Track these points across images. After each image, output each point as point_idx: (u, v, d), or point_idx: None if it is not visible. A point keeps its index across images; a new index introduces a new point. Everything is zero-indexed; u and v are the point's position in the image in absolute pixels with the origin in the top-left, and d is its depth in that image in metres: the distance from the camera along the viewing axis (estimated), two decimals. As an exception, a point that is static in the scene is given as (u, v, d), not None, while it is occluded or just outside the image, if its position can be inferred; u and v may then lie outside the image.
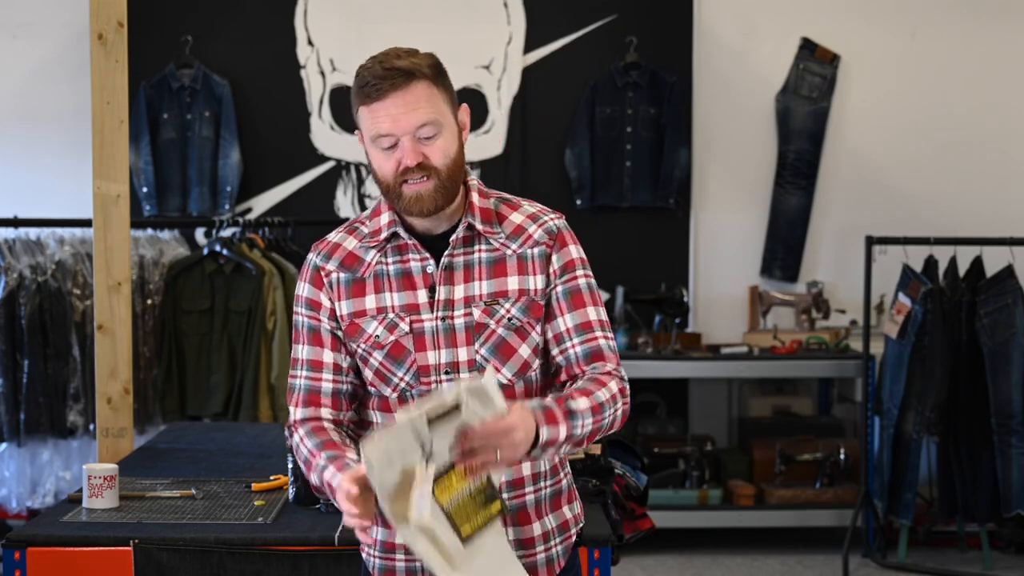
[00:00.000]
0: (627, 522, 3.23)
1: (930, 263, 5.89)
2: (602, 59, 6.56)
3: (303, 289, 2.35)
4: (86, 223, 5.42)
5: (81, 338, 5.57)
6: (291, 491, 3.11)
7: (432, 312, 2.27)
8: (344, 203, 6.57)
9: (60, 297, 5.52)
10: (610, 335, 2.33)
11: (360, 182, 6.57)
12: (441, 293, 2.27)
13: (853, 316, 6.49)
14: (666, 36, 6.59)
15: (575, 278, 2.33)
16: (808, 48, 6.63)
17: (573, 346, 2.30)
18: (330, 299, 2.32)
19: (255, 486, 3.24)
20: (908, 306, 5.85)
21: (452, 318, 2.27)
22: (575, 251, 2.34)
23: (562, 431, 2.13)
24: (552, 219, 2.34)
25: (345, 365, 2.33)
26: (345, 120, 6.55)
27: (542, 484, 2.33)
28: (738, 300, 6.65)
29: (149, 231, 5.99)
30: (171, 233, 6.08)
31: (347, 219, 6.57)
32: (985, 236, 5.96)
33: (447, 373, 2.27)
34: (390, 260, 2.30)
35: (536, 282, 2.30)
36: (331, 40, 6.56)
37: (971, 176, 6.66)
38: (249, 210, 6.53)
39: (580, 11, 6.60)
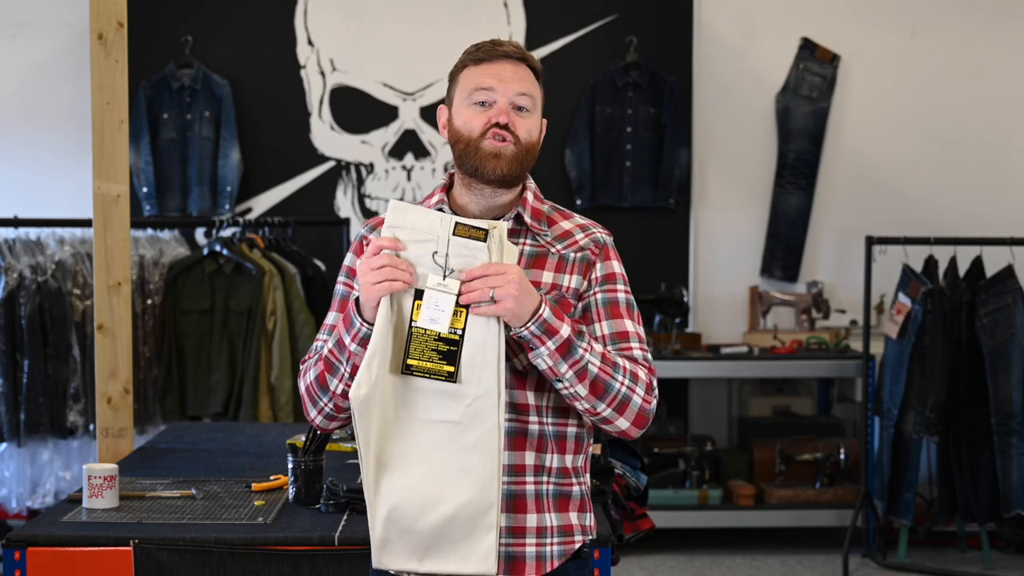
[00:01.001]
0: (627, 522, 3.23)
1: (930, 263, 5.89)
2: (602, 59, 6.56)
3: (346, 259, 2.46)
4: (86, 223, 5.43)
5: (81, 338, 5.57)
6: (291, 491, 3.11)
7: None
8: (344, 203, 6.57)
9: (60, 297, 5.52)
10: (646, 348, 2.37)
11: (360, 182, 6.57)
12: None
13: (853, 316, 6.49)
14: (666, 36, 6.60)
15: (615, 291, 2.37)
16: (808, 48, 6.63)
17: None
18: None
19: (255, 486, 3.24)
20: (908, 306, 5.85)
21: None
22: (618, 267, 2.40)
23: (565, 328, 2.22)
24: (601, 232, 2.42)
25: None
26: (345, 120, 6.56)
27: (545, 478, 2.33)
28: (738, 300, 6.66)
29: (149, 231, 5.99)
30: (171, 233, 6.09)
31: (347, 219, 6.59)
32: (985, 236, 5.97)
33: None
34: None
35: (571, 281, 2.35)
36: (331, 40, 6.56)
37: (971, 176, 6.66)
38: (249, 210, 6.53)
39: (580, 11, 6.60)
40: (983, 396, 5.77)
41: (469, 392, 2.22)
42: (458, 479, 2.23)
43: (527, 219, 2.38)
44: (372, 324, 2.24)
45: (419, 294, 2.22)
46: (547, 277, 2.34)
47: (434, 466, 2.23)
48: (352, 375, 2.29)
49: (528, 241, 2.37)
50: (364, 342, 2.25)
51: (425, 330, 2.22)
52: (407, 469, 2.24)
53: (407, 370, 2.23)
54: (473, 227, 2.22)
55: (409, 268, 2.21)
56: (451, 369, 2.22)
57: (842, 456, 6.11)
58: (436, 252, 2.21)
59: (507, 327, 2.23)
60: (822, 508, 6.06)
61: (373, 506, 2.25)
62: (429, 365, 2.22)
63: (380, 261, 2.21)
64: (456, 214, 2.38)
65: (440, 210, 2.38)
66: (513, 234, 2.37)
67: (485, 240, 2.21)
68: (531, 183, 2.44)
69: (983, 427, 5.80)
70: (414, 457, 2.24)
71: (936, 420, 5.73)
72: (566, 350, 2.22)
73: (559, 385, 2.26)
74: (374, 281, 2.20)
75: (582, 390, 2.25)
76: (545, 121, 2.43)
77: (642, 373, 2.30)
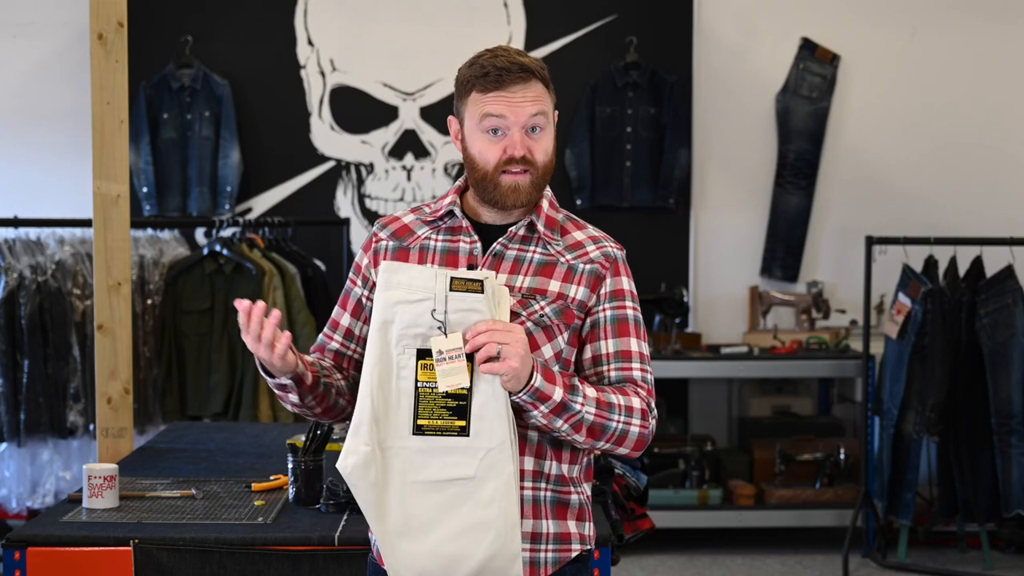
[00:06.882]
0: (627, 522, 3.23)
1: (930, 263, 5.89)
2: (602, 59, 6.56)
3: (356, 255, 2.46)
4: (86, 223, 5.43)
5: (81, 338, 5.57)
6: (291, 491, 3.11)
7: None
8: (344, 203, 6.57)
9: (60, 297, 5.52)
10: (648, 368, 2.37)
11: (360, 182, 6.57)
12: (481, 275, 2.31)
13: (853, 316, 6.49)
14: (666, 36, 6.60)
15: (624, 307, 2.38)
16: (808, 48, 6.63)
17: (609, 370, 2.34)
18: (371, 263, 2.40)
19: (255, 486, 3.24)
20: (908, 306, 5.85)
21: None
22: (627, 283, 2.41)
23: (557, 392, 2.21)
24: (612, 247, 2.41)
25: (357, 333, 2.41)
26: (345, 120, 6.56)
27: (543, 484, 2.33)
28: (738, 300, 6.65)
29: (149, 231, 5.99)
30: (171, 233, 6.09)
31: (347, 219, 6.61)
32: (985, 236, 5.97)
33: None
34: (440, 237, 2.38)
35: (577, 292, 2.34)
36: (331, 40, 6.56)
37: (971, 176, 6.66)
38: (249, 210, 6.53)
39: (580, 11, 6.60)
40: (983, 396, 5.77)
41: (482, 445, 2.21)
42: (479, 535, 2.21)
43: (540, 227, 2.36)
44: (273, 377, 2.28)
45: (421, 354, 2.21)
46: (554, 286, 2.33)
47: (452, 525, 2.22)
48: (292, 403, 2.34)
49: (538, 249, 2.36)
50: (280, 387, 2.30)
51: (432, 388, 2.20)
52: (425, 532, 2.22)
53: (418, 431, 2.21)
54: (469, 280, 2.20)
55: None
56: (462, 424, 2.21)
57: (842, 456, 6.11)
58: (435, 310, 2.20)
59: None
60: (822, 508, 6.06)
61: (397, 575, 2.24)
62: (440, 423, 2.21)
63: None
64: (467, 217, 2.38)
65: (451, 212, 2.38)
66: (524, 241, 2.36)
67: (482, 291, 2.20)
68: (547, 190, 2.42)
69: (983, 427, 5.80)
70: (430, 519, 2.22)
71: (936, 420, 5.73)
72: (560, 410, 2.23)
73: (555, 434, 2.27)
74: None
75: (579, 437, 2.27)
76: (556, 113, 2.40)
77: (637, 402, 2.30)
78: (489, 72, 2.29)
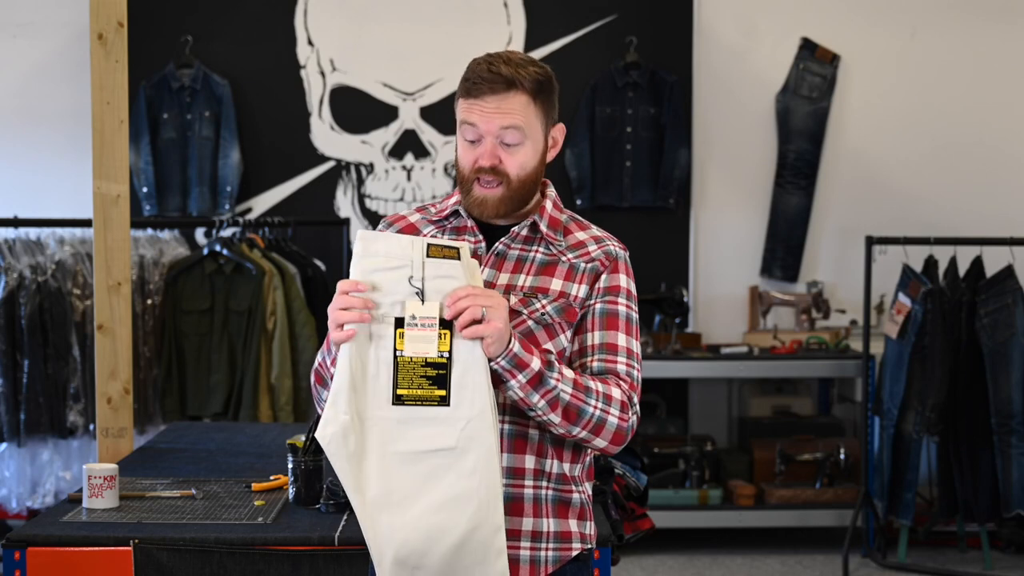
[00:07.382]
0: (627, 522, 3.23)
1: (930, 263, 5.89)
2: (602, 59, 6.56)
3: None
4: (86, 223, 5.43)
5: (81, 338, 5.57)
6: (291, 491, 3.11)
7: None
8: (344, 203, 6.57)
9: (60, 297, 5.52)
10: (635, 364, 2.34)
11: (360, 182, 6.57)
12: (484, 275, 2.32)
13: (853, 316, 6.49)
14: (666, 36, 6.60)
15: (616, 303, 2.37)
16: (808, 48, 6.63)
17: (592, 361, 2.33)
18: None
19: (255, 486, 3.24)
20: (908, 306, 5.85)
21: None
22: (625, 281, 2.40)
23: (535, 361, 2.20)
24: (615, 245, 2.41)
25: None
26: (345, 120, 6.56)
27: (544, 483, 2.32)
28: (738, 300, 6.65)
29: (149, 231, 6.00)
30: (171, 233, 6.09)
31: (347, 219, 6.60)
32: (985, 236, 5.97)
33: None
34: (445, 237, 2.37)
35: (578, 290, 2.34)
36: (331, 40, 6.56)
37: (971, 176, 6.66)
38: (249, 210, 6.53)
39: (580, 11, 6.60)
40: (983, 396, 5.77)
41: (462, 415, 2.18)
42: (461, 507, 2.18)
43: (543, 228, 2.37)
44: None
45: (400, 322, 2.18)
46: (556, 284, 2.33)
47: (434, 497, 2.19)
48: None
49: (540, 249, 2.36)
50: None
51: (411, 358, 2.17)
52: (406, 504, 2.19)
53: (398, 401, 2.18)
54: (445, 247, 2.19)
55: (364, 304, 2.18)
56: (442, 393, 2.18)
57: (842, 456, 6.11)
58: (412, 276, 2.18)
59: None
60: (822, 508, 6.06)
61: (378, 548, 2.20)
62: (420, 392, 2.18)
63: (342, 303, 2.18)
64: (471, 217, 2.38)
65: (455, 212, 2.38)
66: (527, 241, 2.36)
67: (459, 258, 2.18)
68: (551, 191, 2.43)
69: (983, 427, 5.80)
70: (411, 491, 2.19)
71: (936, 420, 5.73)
72: (537, 382, 2.20)
73: (531, 413, 2.25)
74: (337, 323, 2.18)
75: (555, 418, 2.24)
76: (560, 126, 2.38)
77: (616, 393, 2.28)
78: (470, 79, 2.30)
